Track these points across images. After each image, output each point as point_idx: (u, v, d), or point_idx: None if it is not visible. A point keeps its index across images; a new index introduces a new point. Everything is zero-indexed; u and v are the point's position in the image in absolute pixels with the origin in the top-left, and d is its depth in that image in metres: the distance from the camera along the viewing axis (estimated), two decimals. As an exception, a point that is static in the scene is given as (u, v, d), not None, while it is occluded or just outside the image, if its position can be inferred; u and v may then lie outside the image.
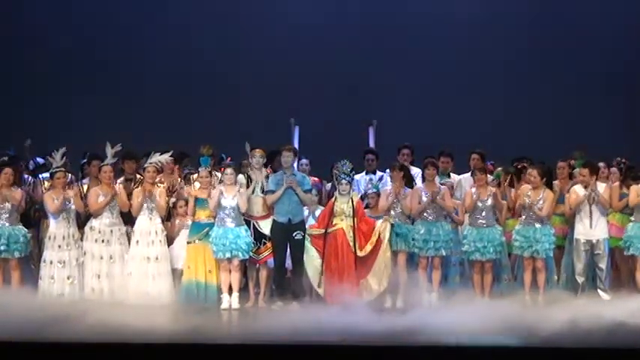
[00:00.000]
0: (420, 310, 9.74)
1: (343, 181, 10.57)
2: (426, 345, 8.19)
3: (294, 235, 10.50)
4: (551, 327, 8.62)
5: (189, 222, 10.63)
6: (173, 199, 10.82)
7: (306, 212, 10.82)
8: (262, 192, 10.60)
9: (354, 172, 10.88)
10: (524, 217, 10.54)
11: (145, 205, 10.54)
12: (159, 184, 10.79)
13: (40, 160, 11.37)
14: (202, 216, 10.54)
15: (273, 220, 10.59)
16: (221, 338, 8.64)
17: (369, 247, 10.34)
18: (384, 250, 10.40)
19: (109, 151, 10.63)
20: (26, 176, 11.29)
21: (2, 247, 10.32)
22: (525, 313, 9.43)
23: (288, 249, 10.54)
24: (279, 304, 10.27)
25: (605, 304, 9.91)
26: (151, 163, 10.67)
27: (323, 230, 10.40)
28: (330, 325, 8.77)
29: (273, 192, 10.54)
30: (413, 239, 10.55)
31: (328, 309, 9.83)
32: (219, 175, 10.94)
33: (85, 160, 11.42)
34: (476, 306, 9.79)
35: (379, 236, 10.37)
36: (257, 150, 10.70)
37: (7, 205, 10.43)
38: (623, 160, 11.19)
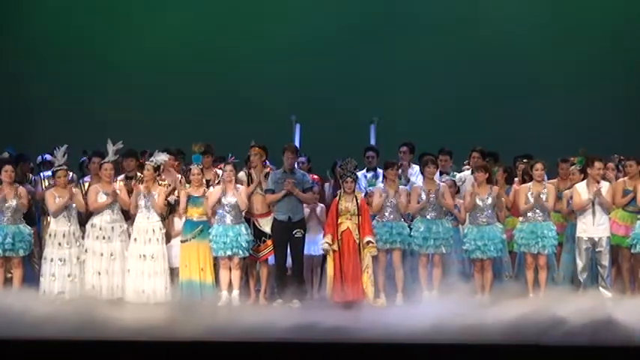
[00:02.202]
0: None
1: (348, 179, 10.58)
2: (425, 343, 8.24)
3: (293, 233, 10.56)
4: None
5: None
6: (175, 197, 10.84)
7: (307, 211, 10.91)
8: (261, 189, 10.65)
9: (357, 170, 10.89)
10: (527, 214, 10.57)
11: (143, 203, 10.56)
12: (160, 183, 10.79)
13: (47, 156, 11.37)
14: (195, 214, 10.59)
15: (274, 218, 10.69)
16: (220, 335, 8.56)
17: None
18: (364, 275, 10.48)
19: (111, 148, 10.65)
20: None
21: (7, 246, 10.37)
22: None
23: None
24: (279, 302, 10.33)
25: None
26: (150, 162, 10.69)
27: (337, 246, 10.41)
28: (327, 323, 8.79)
29: (272, 191, 10.60)
30: (412, 236, 10.61)
31: (329, 307, 10.01)
32: (219, 172, 10.94)
33: (84, 158, 11.46)
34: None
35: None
36: (257, 148, 10.75)
37: (12, 203, 10.44)
38: (622, 157, 11.20)
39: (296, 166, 10.96)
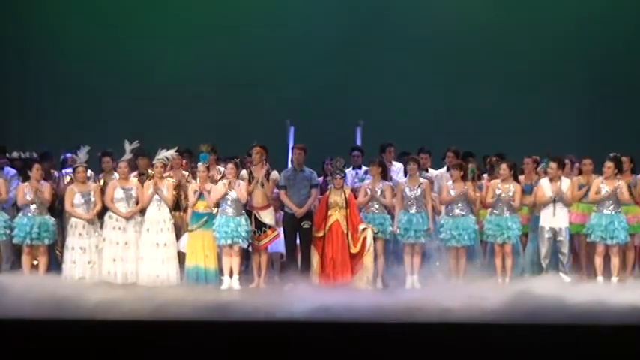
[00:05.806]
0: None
1: (337, 177, 11.12)
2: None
3: (302, 224, 11.16)
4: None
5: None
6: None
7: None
8: (262, 186, 11.13)
9: (346, 168, 11.50)
10: (495, 208, 11.14)
11: (155, 197, 11.12)
12: (168, 179, 11.30)
13: (69, 155, 11.83)
14: (200, 207, 11.12)
15: (284, 212, 11.27)
16: (227, 315, 8.92)
17: (358, 247, 11.00)
18: (367, 255, 11.03)
19: (127, 147, 11.21)
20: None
21: (34, 235, 10.94)
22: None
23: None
24: (290, 285, 10.75)
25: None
26: (158, 160, 11.21)
27: (322, 233, 11.01)
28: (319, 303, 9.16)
29: (284, 187, 11.15)
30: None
31: (321, 290, 10.49)
32: (222, 169, 11.40)
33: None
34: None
35: (364, 241, 10.98)
36: (257, 148, 11.23)
37: (38, 197, 11.02)
38: (572, 159, 11.69)
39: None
